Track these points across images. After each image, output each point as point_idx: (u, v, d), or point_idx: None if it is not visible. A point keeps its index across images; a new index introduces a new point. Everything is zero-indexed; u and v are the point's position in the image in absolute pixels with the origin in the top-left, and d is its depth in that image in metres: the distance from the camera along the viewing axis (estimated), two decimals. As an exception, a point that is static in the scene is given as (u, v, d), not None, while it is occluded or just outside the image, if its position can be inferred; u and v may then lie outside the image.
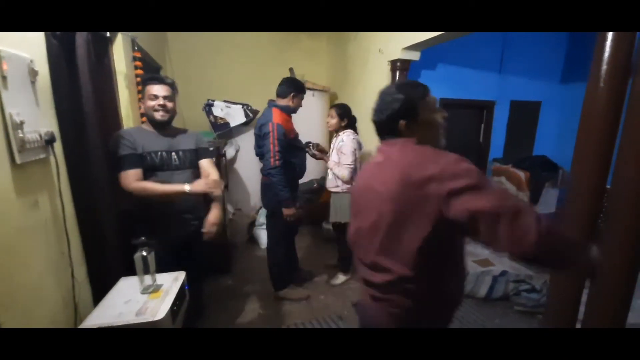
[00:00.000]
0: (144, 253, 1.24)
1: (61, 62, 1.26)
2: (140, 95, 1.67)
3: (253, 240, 3.76)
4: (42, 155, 1.12)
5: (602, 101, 1.38)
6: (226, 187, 3.49)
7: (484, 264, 2.96)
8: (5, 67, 0.95)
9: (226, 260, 3.05)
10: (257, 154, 2.42)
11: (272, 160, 2.16)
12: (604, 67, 1.35)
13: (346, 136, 2.57)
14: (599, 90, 1.38)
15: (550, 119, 4.68)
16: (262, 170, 2.34)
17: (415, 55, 3.23)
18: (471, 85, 4.21)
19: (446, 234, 0.88)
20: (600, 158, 1.43)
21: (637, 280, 1.46)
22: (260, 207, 3.55)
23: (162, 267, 1.39)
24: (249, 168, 3.86)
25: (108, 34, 1.83)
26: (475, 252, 3.16)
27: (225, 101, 3.75)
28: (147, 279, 1.29)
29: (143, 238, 1.26)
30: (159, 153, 1.60)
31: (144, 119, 1.70)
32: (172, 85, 1.65)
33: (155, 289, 1.28)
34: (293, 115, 2.44)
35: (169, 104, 1.63)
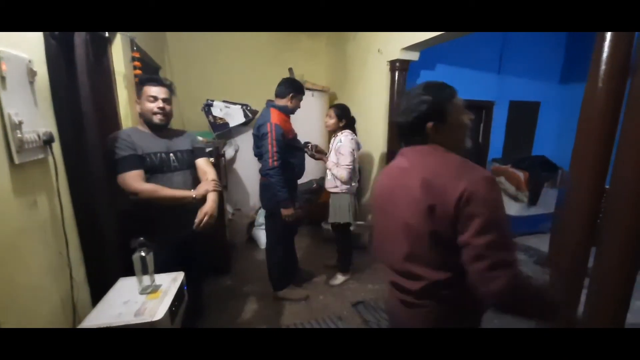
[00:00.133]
0: (143, 253, 1.24)
1: (60, 62, 1.26)
2: (136, 95, 1.65)
3: (252, 240, 3.76)
4: (41, 156, 1.12)
5: (601, 101, 1.38)
6: (225, 187, 3.49)
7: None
8: (4, 67, 0.95)
9: (225, 260, 3.05)
10: (255, 155, 2.42)
11: (270, 160, 2.15)
12: (603, 67, 1.35)
13: (344, 137, 2.57)
14: (597, 91, 1.38)
15: (550, 119, 4.69)
16: (261, 171, 2.34)
17: (414, 56, 3.24)
18: (470, 86, 4.21)
19: None
20: (599, 158, 1.43)
21: (635, 280, 1.46)
22: (260, 208, 3.55)
23: (162, 268, 1.39)
24: (248, 168, 3.86)
25: (107, 34, 1.83)
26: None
27: (224, 101, 3.75)
28: (146, 280, 1.28)
29: (141, 238, 1.26)
30: (158, 154, 1.60)
31: (141, 119, 1.68)
32: (170, 87, 1.65)
33: (153, 289, 1.28)
34: (292, 115, 2.44)
35: (168, 107, 1.63)
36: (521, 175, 3.91)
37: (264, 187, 2.38)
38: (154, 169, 1.58)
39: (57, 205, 1.20)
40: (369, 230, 3.71)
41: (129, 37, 2.22)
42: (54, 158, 1.16)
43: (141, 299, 1.22)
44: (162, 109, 1.60)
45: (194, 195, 1.61)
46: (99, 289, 1.35)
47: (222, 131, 3.77)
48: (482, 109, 4.50)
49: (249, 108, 3.79)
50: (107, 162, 1.48)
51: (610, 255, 1.43)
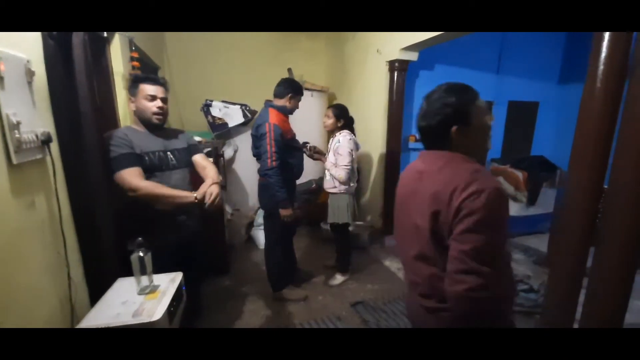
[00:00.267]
0: (141, 254, 1.24)
1: (58, 62, 1.26)
2: (129, 94, 1.60)
3: (251, 240, 3.76)
4: (39, 156, 1.12)
5: (599, 102, 1.39)
6: (224, 187, 3.48)
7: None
8: (2, 67, 0.95)
9: (224, 260, 3.04)
10: (254, 155, 2.42)
11: (269, 161, 2.15)
12: (601, 67, 1.36)
13: (342, 137, 2.57)
14: (596, 91, 1.39)
15: (548, 119, 4.70)
16: (259, 171, 2.34)
17: (413, 56, 3.25)
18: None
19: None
20: (597, 158, 1.44)
21: (634, 280, 1.46)
22: (259, 208, 3.54)
23: (160, 269, 1.38)
24: (247, 168, 3.86)
25: (105, 34, 1.82)
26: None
27: (223, 101, 3.75)
28: (144, 280, 1.28)
29: (140, 239, 1.26)
30: (157, 153, 1.59)
31: (135, 118, 1.64)
32: (166, 86, 1.64)
33: (152, 289, 1.28)
34: (291, 115, 2.43)
35: (165, 106, 1.62)
36: (520, 175, 3.91)
37: (263, 188, 2.38)
38: (153, 168, 1.57)
39: (55, 206, 1.20)
40: (368, 230, 3.71)
41: (127, 37, 2.22)
42: (52, 158, 1.16)
43: (139, 300, 1.22)
44: (161, 108, 1.58)
45: (195, 197, 1.56)
46: (97, 290, 1.34)
47: (221, 131, 3.77)
48: (481, 109, 4.49)
49: (248, 108, 3.79)
50: (105, 161, 1.46)
51: (609, 255, 1.44)
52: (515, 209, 3.90)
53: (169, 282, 1.34)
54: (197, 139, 2.99)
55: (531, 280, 2.59)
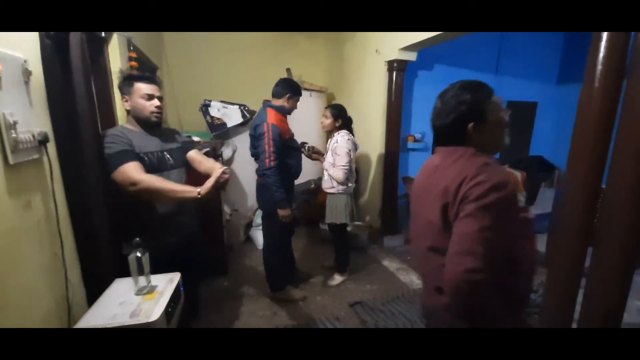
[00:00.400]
0: (138, 254, 1.23)
1: (55, 62, 1.25)
2: (122, 93, 1.55)
3: (250, 241, 3.76)
4: (36, 156, 1.12)
5: (597, 102, 1.39)
6: (223, 187, 3.48)
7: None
8: (-2, 67, 0.95)
9: (223, 261, 3.04)
10: (252, 155, 2.42)
11: (267, 160, 2.14)
12: (599, 67, 1.36)
13: (340, 137, 2.56)
14: (594, 91, 1.39)
15: (547, 119, 4.71)
16: (258, 171, 2.34)
17: (411, 56, 3.25)
18: None
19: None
20: (595, 158, 1.44)
21: (632, 280, 1.46)
22: (257, 208, 3.54)
23: (159, 269, 1.38)
24: (246, 169, 3.85)
25: (103, 34, 1.82)
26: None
27: (222, 101, 3.74)
28: (142, 280, 1.28)
29: (137, 239, 1.25)
30: (155, 153, 1.57)
31: (130, 117, 1.60)
32: (161, 85, 1.62)
33: (149, 290, 1.27)
34: (290, 115, 2.43)
35: (162, 105, 1.60)
36: (518, 175, 3.92)
37: (261, 188, 2.37)
38: (152, 168, 1.53)
39: (52, 206, 1.19)
40: (367, 230, 3.71)
41: (125, 37, 2.21)
42: (49, 158, 1.16)
43: (137, 300, 1.22)
44: (159, 107, 1.57)
45: (199, 192, 1.46)
46: (94, 290, 1.34)
47: (220, 131, 3.76)
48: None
49: (246, 108, 3.79)
50: (102, 161, 1.42)
51: (607, 255, 1.44)
52: (513, 209, 3.89)
53: (166, 283, 1.34)
54: (196, 139, 2.99)
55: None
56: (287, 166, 2.33)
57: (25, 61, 1.08)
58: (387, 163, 3.58)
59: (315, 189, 3.72)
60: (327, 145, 2.73)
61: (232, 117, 3.74)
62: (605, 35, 1.33)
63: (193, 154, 1.79)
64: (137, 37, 2.38)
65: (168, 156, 1.62)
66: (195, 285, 2.16)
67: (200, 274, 2.64)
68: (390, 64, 3.32)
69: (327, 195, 2.75)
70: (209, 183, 1.48)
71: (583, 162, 1.47)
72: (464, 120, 0.95)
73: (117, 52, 2.08)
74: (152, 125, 1.59)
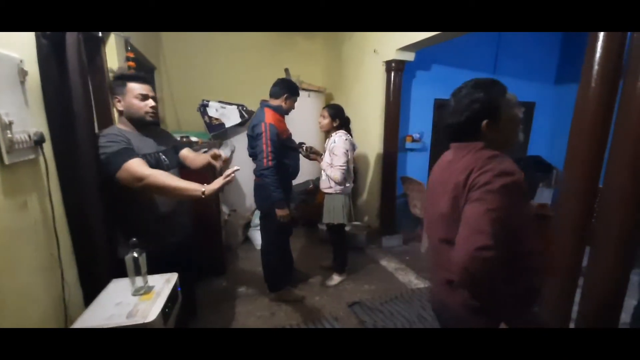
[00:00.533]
0: (135, 254, 1.23)
1: (51, 62, 1.25)
2: (113, 93, 1.52)
3: (248, 241, 3.75)
4: (31, 156, 1.11)
5: (594, 102, 1.39)
6: (222, 188, 3.47)
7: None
8: (-7, 66, 0.94)
9: (221, 261, 3.03)
10: (250, 155, 2.41)
11: (265, 160, 2.14)
12: (596, 68, 1.36)
13: (338, 137, 2.56)
14: (590, 92, 1.39)
15: (544, 119, 4.72)
16: (255, 171, 2.33)
17: (409, 56, 3.25)
18: None
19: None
20: (592, 158, 1.44)
21: (629, 279, 1.47)
22: (255, 209, 3.53)
23: (156, 270, 1.37)
24: (244, 169, 3.79)
25: (100, 33, 1.81)
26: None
27: (220, 102, 3.74)
28: (139, 281, 1.27)
29: (134, 239, 1.25)
30: (152, 155, 1.56)
31: (122, 118, 1.56)
32: (153, 84, 1.61)
33: (146, 290, 1.27)
34: (288, 116, 2.43)
35: (156, 105, 1.59)
36: (517, 175, 3.92)
37: (259, 188, 2.37)
38: None
39: (48, 206, 1.19)
40: (365, 230, 3.71)
41: (123, 36, 2.21)
42: (44, 158, 1.15)
43: (134, 301, 1.21)
44: (154, 107, 1.55)
45: (203, 192, 1.40)
46: (91, 291, 1.33)
47: (218, 132, 3.75)
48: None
49: (245, 108, 3.78)
50: (98, 161, 1.40)
51: (605, 255, 1.44)
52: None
53: (164, 283, 1.33)
54: (194, 139, 2.99)
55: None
56: (285, 166, 2.33)
57: (21, 61, 1.08)
58: (385, 163, 3.58)
59: (313, 189, 3.71)
60: (325, 145, 2.72)
61: (230, 117, 3.74)
62: (601, 35, 1.34)
63: (185, 152, 1.81)
64: (135, 37, 2.37)
65: (164, 157, 1.61)
66: (193, 286, 2.15)
67: (198, 274, 2.64)
68: (388, 64, 3.32)
69: (325, 196, 2.75)
70: (215, 185, 1.43)
71: (580, 161, 1.47)
72: (477, 118, 0.97)
73: (114, 52, 2.08)
74: (147, 125, 1.57)
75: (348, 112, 2.74)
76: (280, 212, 2.25)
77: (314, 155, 2.72)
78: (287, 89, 2.32)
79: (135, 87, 1.50)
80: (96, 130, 1.52)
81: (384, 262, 3.30)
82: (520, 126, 1.05)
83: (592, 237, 1.49)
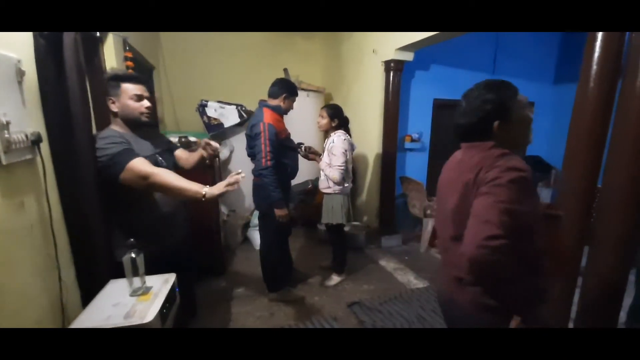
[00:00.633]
0: (133, 255, 1.23)
1: (49, 62, 1.24)
2: (106, 93, 1.50)
3: (247, 241, 3.75)
4: (29, 156, 1.10)
5: (593, 102, 1.39)
6: (223, 194, 3.46)
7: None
8: (-10, 66, 0.94)
9: (220, 261, 3.03)
10: (248, 155, 2.41)
11: (263, 160, 2.14)
12: (594, 67, 1.36)
13: (337, 137, 2.56)
14: (589, 91, 1.39)
15: (543, 119, 4.72)
16: (254, 171, 2.33)
17: (408, 56, 3.25)
18: (464, 86, 4.09)
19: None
20: (591, 158, 1.44)
21: (628, 279, 1.47)
22: (254, 209, 3.53)
23: (155, 270, 1.37)
24: (243, 169, 3.75)
25: (98, 33, 1.80)
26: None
27: (219, 102, 3.74)
28: (136, 282, 1.27)
29: (132, 240, 1.24)
30: (150, 157, 1.54)
31: (117, 119, 1.54)
32: (147, 84, 1.60)
33: (144, 291, 1.27)
34: (287, 116, 2.42)
35: (151, 105, 1.57)
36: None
37: (257, 188, 2.36)
38: None
39: (45, 207, 1.18)
40: (364, 230, 3.71)
41: (121, 36, 2.20)
42: (42, 159, 1.15)
43: (131, 301, 1.21)
44: (149, 108, 1.53)
45: (203, 195, 1.38)
46: (88, 291, 1.33)
47: (217, 132, 3.76)
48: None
49: (243, 108, 3.78)
50: (98, 162, 1.38)
51: (603, 255, 1.44)
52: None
53: (162, 284, 1.33)
54: (193, 139, 2.98)
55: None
56: (284, 166, 2.33)
57: (18, 61, 1.07)
58: (384, 163, 3.58)
59: (312, 189, 3.71)
60: (324, 145, 2.72)
61: (229, 117, 3.73)
62: (600, 35, 1.34)
63: (179, 153, 1.82)
64: (133, 36, 2.37)
65: (160, 158, 1.60)
66: (193, 286, 2.15)
67: (197, 275, 2.64)
68: (387, 64, 3.32)
69: (323, 196, 2.75)
70: (216, 190, 1.39)
71: (579, 161, 1.47)
72: (489, 119, 0.98)
73: (112, 52, 2.07)
74: (142, 126, 1.56)
75: (347, 112, 2.74)
76: (279, 212, 2.25)
77: (313, 155, 2.72)
78: (285, 89, 2.32)
79: (130, 88, 1.48)
80: (94, 131, 1.52)
81: (383, 262, 3.30)
82: (531, 127, 1.06)
83: (591, 236, 1.49)
